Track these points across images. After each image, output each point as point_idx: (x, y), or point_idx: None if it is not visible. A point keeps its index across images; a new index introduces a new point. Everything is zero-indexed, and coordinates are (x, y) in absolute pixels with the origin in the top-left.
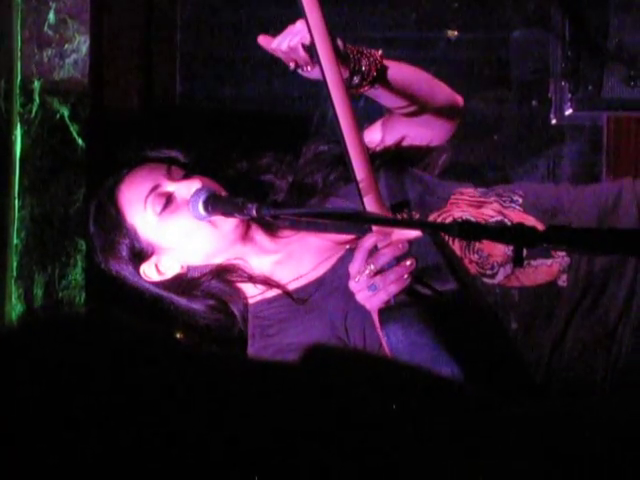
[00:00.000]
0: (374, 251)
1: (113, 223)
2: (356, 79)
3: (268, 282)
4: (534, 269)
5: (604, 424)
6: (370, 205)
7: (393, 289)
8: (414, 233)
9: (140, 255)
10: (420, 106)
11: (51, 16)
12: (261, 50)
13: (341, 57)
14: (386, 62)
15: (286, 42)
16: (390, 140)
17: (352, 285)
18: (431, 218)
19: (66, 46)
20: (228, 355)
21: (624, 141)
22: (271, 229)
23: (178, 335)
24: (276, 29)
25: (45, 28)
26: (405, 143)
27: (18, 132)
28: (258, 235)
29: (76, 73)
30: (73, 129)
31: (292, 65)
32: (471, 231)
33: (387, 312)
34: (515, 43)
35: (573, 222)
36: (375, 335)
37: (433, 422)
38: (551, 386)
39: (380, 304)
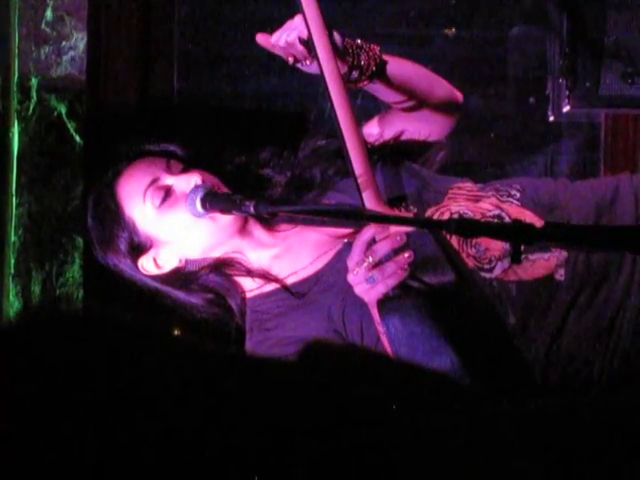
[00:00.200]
0: (372, 244)
1: (112, 216)
2: (355, 73)
3: (266, 276)
4: (532, 263)
5: (603, 421)
6: (369, 200)
7: (391, 281)
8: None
9: (138, 248)
10: (419, 101)
11: (48, 13)
12: (259, 47)
13: (340, 52)
14: (385, 57)
15: (284, 37)
16: (388, 135)
17: (350, 278)
18: (429, 212)
19: (63, 43)
20: (225, 351)
21: (621, 138)
22: (269, 223)
23: (176, 332)
24: (273, 26)
25: (42, 25)
26: (403, 138)
27: (15, 129)
28: (256, 229)
29: (73, 70)
30: (70, 126)
31: (291, 60)
32: (468, 228)
33: (386, 303)
34: (513, 40)
35: (571, 216)
36: (373, 328)
37: (431, 418)
38: (549, 380)
39: (378, 296)
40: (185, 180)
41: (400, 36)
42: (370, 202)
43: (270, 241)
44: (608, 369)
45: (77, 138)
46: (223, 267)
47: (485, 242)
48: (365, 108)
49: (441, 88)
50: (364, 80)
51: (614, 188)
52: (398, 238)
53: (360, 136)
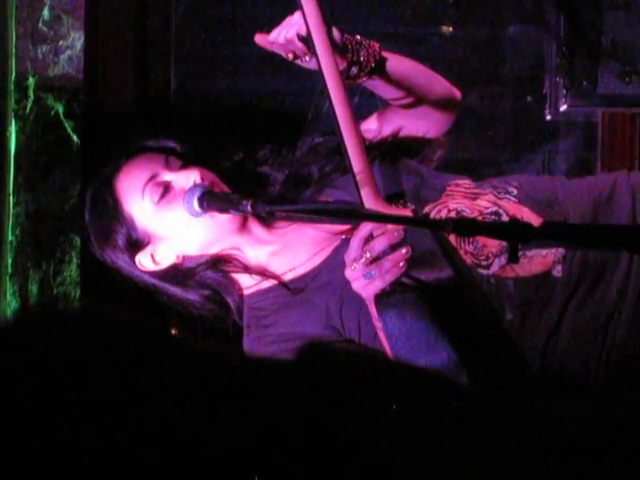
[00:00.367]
0: (370, 239)
1: (110, 211)
2: (354, 70)
3: (264, 273)
4: (529, 260)
5: (601, 419)
6: (367, 197)
7: (389, 277)
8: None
9: (136, 244)
10: (417, 98)
11: (46, 12)
12: (256, 46)
13: (339, 48)
14: (384, 54)
15: (283, 34)
16: (386, 131)
17: (348, 273)
18: (426, 209)
19: (61, 42)
20: (223, 350)
21: (618, 137)
22: (267, 220)
23: (173, 331)
24: (270, 25)
25: (40, 24)
26: (402, 135)
27: (13, 129)
28: (254, 226)
29: (71, 69)
30: (68, 125)
31: (290, 56)
32: (466, 228)
33: (384, 299)
34: (510, 39)
35: (568, 213)
36: (370, 324)
37: (429, 416)
38: (546, 375)
39: (376, 292)
40: (184, 176)
41: (397, 35)
42: (368, 199)
43: (268, 238)
44: (605, 365)
45: (74, 137)
46: (220, 264)
47: (482, 239)
48: (363, 106)
49: (439, 85)
50: (363, 76)
51: (611, 185)
52: (396, 234)
53: (358, 133)
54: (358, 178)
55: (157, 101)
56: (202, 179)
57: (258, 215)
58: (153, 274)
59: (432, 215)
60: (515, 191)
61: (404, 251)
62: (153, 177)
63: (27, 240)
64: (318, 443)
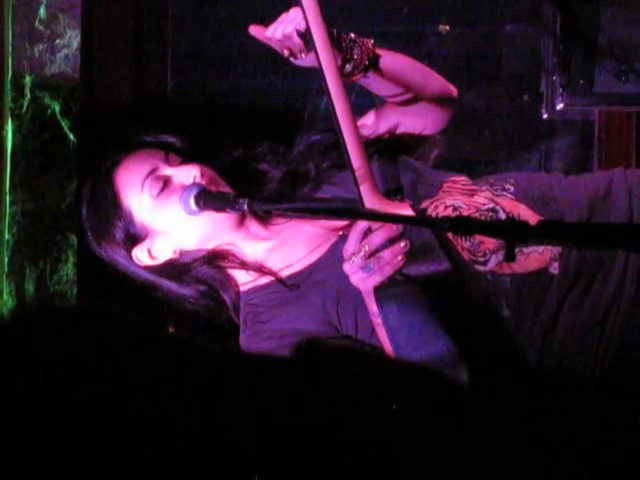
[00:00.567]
0: (368, 233)
1: (109, 205)
2: (348, 67)
3: (260, 269)
4: (526, 256)
5: (601, 420)
6: (366, 193)
7: (388, 270)
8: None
9: (134, 238)
10: (413, 95)
11: (42, 11)
12: (252, 44)
13: (334, 45)
14: (379, 50)
15: (280, 29)
16: (383, 128)
17: (346, 267)
18: (423, 205)
19: (57, 41)
20: (220, 347)
21: (615, 136)
22: (264, 217)
23: (170, 329)
24: (267, 23)
25: (36, 23)
26: (398, 132)
27: (9, 127)
28: (251, 222)
29: (67, 68)
30: (64, 124)
31: (286, 52)
32: (462, 226)
33: (383, 290)
34: (507, 38)
35: (564, 210)
36: (367, 320)
37: (429, 415)
38: (543, 372)
39: (375, 285)
40: (185, 171)
41: (394, 33)
42: (367, 195)
43: (265, 234)
44: (601, 361)
45: (71, 136)
46: (217, 259)
47: (479, 235)
48: (360, 105)
49: (435, 82)
50: (357, 74)
51: (607, 182)
52: (394, 227)
53: (357, 128)
54: (357, 174)
55: (154, 100)
56: (202, 175)
57: (255, 212)
58: (149, 269)
59: (429, 211)
60: (512, 188)
61: (402, 244)
62: (153, 171)
63: (24, 239)
64: (315, 440)
